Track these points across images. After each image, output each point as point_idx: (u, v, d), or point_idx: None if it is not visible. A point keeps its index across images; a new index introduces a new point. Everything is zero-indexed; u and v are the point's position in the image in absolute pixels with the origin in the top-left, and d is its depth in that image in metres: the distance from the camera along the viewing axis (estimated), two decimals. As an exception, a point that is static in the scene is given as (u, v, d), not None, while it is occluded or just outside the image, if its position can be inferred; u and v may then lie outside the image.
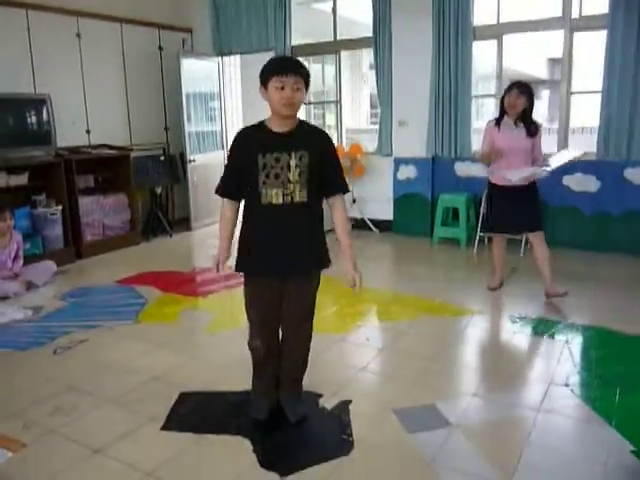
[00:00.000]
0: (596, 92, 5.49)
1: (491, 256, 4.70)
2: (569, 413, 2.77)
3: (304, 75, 2.36)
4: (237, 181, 2.48)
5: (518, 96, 4.08)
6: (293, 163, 2.38)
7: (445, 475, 2.29)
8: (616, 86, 5.28)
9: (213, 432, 2.64)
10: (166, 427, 2.68)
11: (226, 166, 2.53)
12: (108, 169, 6.47)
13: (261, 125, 2.48)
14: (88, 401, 2.96)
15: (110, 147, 6.52)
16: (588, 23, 5.58)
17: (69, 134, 6.18)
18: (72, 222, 5.91)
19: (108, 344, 3.74)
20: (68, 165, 5.82)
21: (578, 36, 5.72)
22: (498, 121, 4.24)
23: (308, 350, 2.74)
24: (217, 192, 2.56)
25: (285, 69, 2.33)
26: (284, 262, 2.50)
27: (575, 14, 5.57)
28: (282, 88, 2.32)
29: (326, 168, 2.48)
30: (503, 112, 4.21)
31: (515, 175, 4.10)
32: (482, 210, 5.35)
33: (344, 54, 7.42)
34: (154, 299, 4.59)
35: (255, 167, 2.38)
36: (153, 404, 2.90)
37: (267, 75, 2.36)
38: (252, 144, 2.42)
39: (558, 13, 5.65)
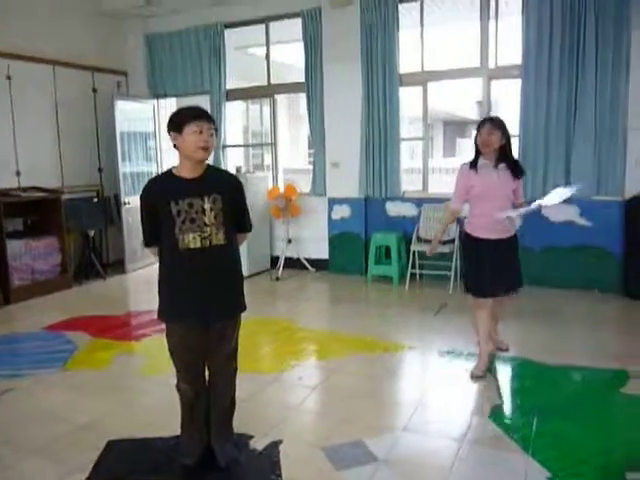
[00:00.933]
0: (513, 136, 5.85)
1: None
2: (490, 443, 2.90)
3: (215, 123, 2.55)
4: (158, 230, 2.53)
5: (491, 131, 3.56)
6: (207, 207, 2.48)
7: (371, 510, 2.35)
8: (531, 130, 5.68)
9: (142, 480, 2.62)
10: (92, 478, 2.63)
11: (143, 218, 2.57)
12: (38, 212, 6.35)
13: (169, 174, 2.57)
14: (12, 453, 2.87)
15: (41, 189, 6.40)
16: (503, 72, 6.02)
17: (-3, 176, 6.05)
18: (-1, 266, 5.73)
19: (34, 393, 3.63)
20: (-5, 208, 5.68)
21: (499, 83, 6.16)
22: (474, 163, 3.67)
23: (234, 389, 2.78)
24: (146, 245, 2.64)
25: (202, 115, 2.49)
26: (206, 309, 2.56)
27: (492, 64, 5.99)
28: (200, 132, 2.45)
29: (237, 210, 2.62)
30: (478, 153, 3.66)
31: (513, 213, 3.56)
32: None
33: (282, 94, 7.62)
34: (85, 345, 4.49)
35: (169, 215, 2.46)
36: (80, 454, 2.83)
37: (184, 121, 2.46)
38: (163, 193, 2.49)
39: (477, 63, 6.06)
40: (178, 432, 2.82)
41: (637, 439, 2.88)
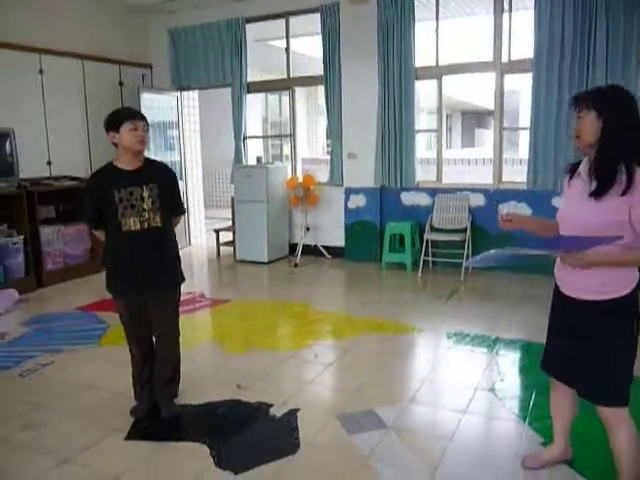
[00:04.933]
0: (524, 128, 6.04)
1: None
2: (490, 414, 3.17)
3: (146, 121, 2.95)
4: (101, 215, 2.94)
5: (578, 115, 2.12)
6: (145, 194, 2.90)
7: (378, 468, 2.63)
8: (541, 123, 5.85)
9: (174, 440, 2.92)
10: (130, 437, 2.94)
11: (87, 205, 2.98)
12: (69, 200, 6.68)
13: (111, 166, 2.96)
14: (55, 417, 3.19)
15: (71, 178, 6.74)
16: (516, 67, 6.18)
17: (31, 166, 6.38)
18: (33, 251, 6.08)
19: (73, 366, 3.96)
20: (30, 196, 6.01)
21: (513, 77, 6.33)
22: (573, 169, 2.29)
23: (178, 357, 3.22)
24: (90, 227, 3.10)
25: (136, 115, 2.93)
26: (144, 282, 2.97)
27: (505, 58, 6.16)
28: (135, 129, 2.86)
29: (170, 196, 3.04)
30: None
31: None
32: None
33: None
34: (116, 324, 4.78)
35: (113, 201, 2.86)
36: (117, 417, 3.15)
37: (119, 121, 2.87)
38: (108, 183, 2.89)
39: (490, 57, 6.23)
40: (207, 399, 3.12)
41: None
